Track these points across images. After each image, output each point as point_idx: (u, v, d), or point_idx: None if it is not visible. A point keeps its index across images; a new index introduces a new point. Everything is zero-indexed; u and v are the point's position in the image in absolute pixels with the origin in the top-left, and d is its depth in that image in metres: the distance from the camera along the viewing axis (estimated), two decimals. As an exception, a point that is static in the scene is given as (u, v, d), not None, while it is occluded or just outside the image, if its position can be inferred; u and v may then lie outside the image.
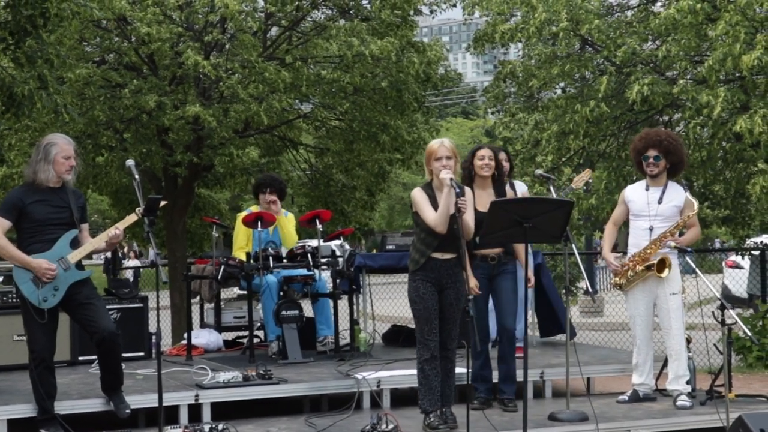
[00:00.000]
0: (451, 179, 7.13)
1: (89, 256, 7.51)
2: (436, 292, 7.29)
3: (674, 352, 8.09)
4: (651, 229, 8.08)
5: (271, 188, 10.13)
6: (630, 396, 8.32)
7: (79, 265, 7.27)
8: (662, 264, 7.98)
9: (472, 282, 7.73)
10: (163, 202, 7.44)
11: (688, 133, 11.84)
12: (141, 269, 22.75)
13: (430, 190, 7.35)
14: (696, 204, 8.06)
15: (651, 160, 8.08)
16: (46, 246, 7.12)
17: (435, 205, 7.25)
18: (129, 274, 22.70)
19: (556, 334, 10.63)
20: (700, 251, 14.76)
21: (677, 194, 8.10)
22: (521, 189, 9.35)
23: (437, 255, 7.27)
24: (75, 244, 7.24)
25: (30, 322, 7.12)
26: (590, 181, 10.73)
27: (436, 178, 7.32)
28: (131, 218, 7.39)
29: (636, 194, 8.25)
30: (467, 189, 7.38)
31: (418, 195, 7.33)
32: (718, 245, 25.00)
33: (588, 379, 9.20)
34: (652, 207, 8.09)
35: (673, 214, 8.06)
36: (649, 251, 8.05)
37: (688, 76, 11.67)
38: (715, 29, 10.61)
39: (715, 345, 8.68)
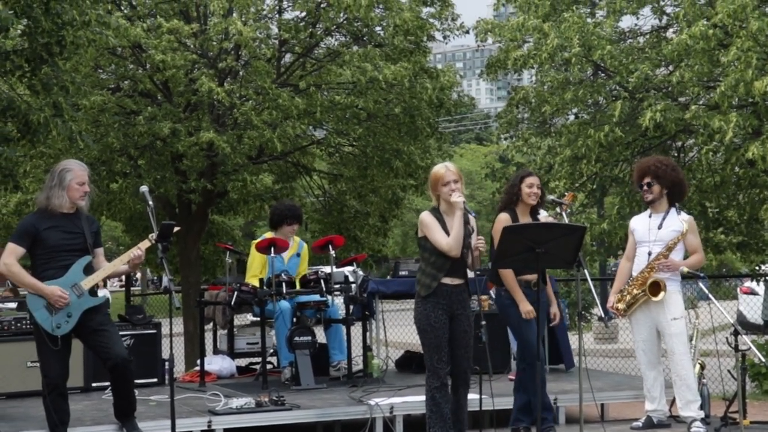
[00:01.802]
0: (464, 203, 7.16)
1: (104, 282, 7.52)
2: (447, 320, 7.28)
3: (678, 377, 8.06)
4: (650, 254, 8.12)
5: (292, 219, 10.20)
6: (644, 423, 8.30)
7: (92, 291, 7.28)
8: (656, 287, 7.97)
9: (528, 306, 7.76)
10: (176, 228, 7.47)
11: (700, 158, 11.81)
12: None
13: (438, 214, 7.36)
14: (684, 225, 8.05)
15: (645, 187, 8.23)
16: (60, 272, 7.13)
17: (444, 229, 7.26)
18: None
19: (556, 364, 10.64)
20: (715, 277, 14.70)
21: (677, 220, 8.13)
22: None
23: (447, 280, 7.27)
24: (89, 270, 7.25)
25: (43, 349, 7.12)
26: (567, 203, 10.63)
27: (444, 203, 7.33)
28: (145, 243, 7.40)
29: (639, 223, 8.33)
30: (471, 216, 7.40)
31: (429, 219, 7.33)
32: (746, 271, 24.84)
33: (602, 405, 9.17)
34: (653, 233, 8.14)
35: (672, 239, 8.08)
36: (645, 275, 8.07)
37: (701, 102, 11.66)
38: (727, 55, 10.60)
39: (729, 371, 8.64)
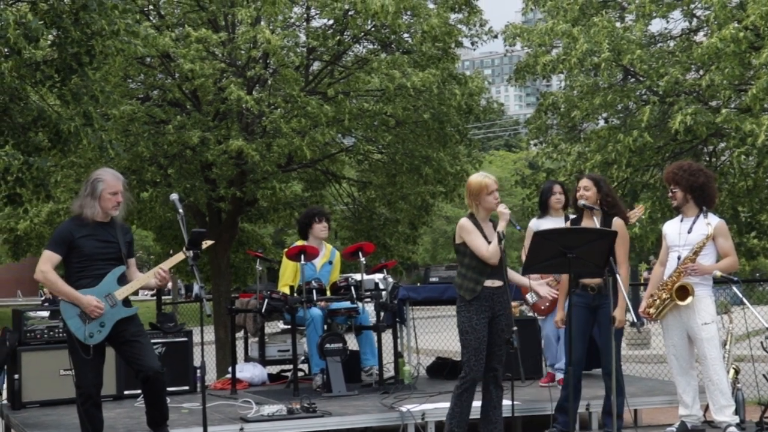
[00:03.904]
0: (510, 214, 7.36)
1: (135, 293, 7.51)
2: (488, 322, 7.39)
3: (711, 382, 7.97)
4: (679, 258, 8.05)
5: (320, 216, 10.19)
6: (678, 428, 8.22)
7: (125, 302, 7.25)
8: (683, 291, 7.90)
9: (559, 315, 7.95)
10: (209, 242, 7.47)
11: (732, 162, 11.74)
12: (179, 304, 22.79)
13: (475, 220, 7.46)
14: (709, 228, 7.96)
15: (669, 193, 8.18)
16: (94, 281, 7.11)
17: (483, 235, 7.40)
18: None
19: (596, 368, 10.50)
20: (748, 281, 14.58)
21: (704, 223, 8.03)
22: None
23: (489, 283, 7.40)
24: (122, 280, 7.23)
25: (76, 358, 7.09)
26: (643, 216, 10.70)
27: (482, 211, 7.43)
28: (179, 257, 7.41)
29: (671, 227, 8.27)
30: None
31: (470, 225, 7.45)
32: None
33: (635, 410, 9.11)
34: (683, 237, 8.06)
35: (698, 243, 8.00)
36: (674, 278, 8.00)
37: (732, 105, 11.58)
38: (759, 57, 10.54)
39: (764, 376, 8.56)
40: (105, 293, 7.11)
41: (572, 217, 8.45)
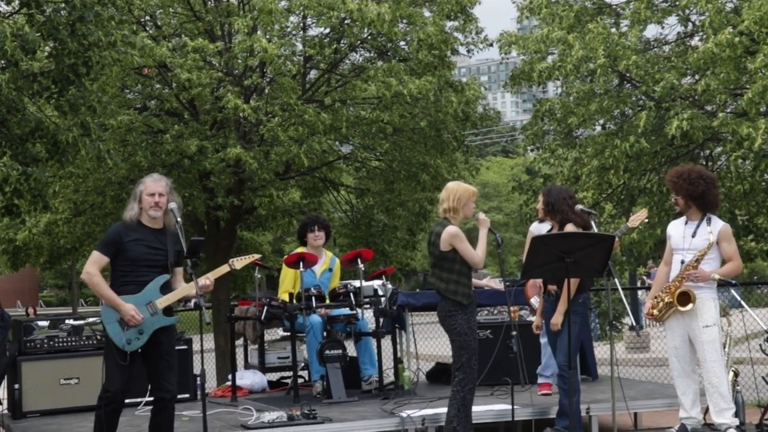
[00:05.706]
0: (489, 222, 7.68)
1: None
2: None
3: (710, 385, 7.99)
4: (683, 263, 8.05)
5: (313, 225, 10.22)
6: (677, 430, 8.24)
7: (166, 311, 7.23)
8: (685, 297, 7.91)
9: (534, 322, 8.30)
10: (255, 256, 7.77)
11: (729, 166, 11.76)
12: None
13: None
14: (712, 237, 7.97)
15: (672, 199, 8.21)
16: (138, 288, 7.09)
17: None
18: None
19: (583, 375, 10.54)
20: (747, 284, 14.59)
21: (707, 230, 8.04)
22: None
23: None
24: (165, 289, 7.21)
25: (110, 362, 7.05)
26: (647, 220, 10.74)
27: (461, 218, 7.69)
28: (224, 269, 7.49)
29: (675, 229, 8.27)
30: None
31: (461, 233, 7.61)
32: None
33: (635, 414, 9.13)
34: (687, 241, 8.07)
35: (701, 250, 8.01)
36: (677, 283, 8.02)
37: (728, 110, 11.60)
38: (754, 62, 10.56)
39: (763, 378, 8.58)
40: (146, 301, 7.08)
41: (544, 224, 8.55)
